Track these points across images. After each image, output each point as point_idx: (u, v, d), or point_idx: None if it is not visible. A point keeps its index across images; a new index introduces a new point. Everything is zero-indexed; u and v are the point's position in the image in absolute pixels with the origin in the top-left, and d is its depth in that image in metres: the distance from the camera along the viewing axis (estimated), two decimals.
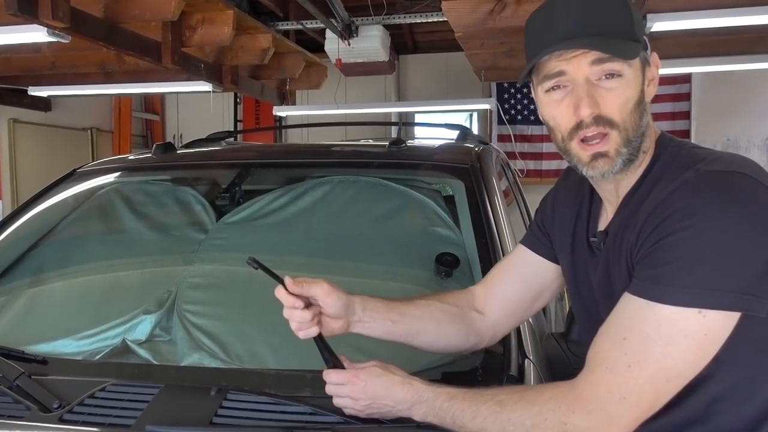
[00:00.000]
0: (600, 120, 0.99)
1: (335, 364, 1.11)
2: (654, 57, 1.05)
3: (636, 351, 0.93)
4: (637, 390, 0.92)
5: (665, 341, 0.91)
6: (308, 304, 1.12)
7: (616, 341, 0.95)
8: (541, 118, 1.10)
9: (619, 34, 0.98)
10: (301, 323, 1.11)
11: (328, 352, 1.12)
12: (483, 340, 1.29)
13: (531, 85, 1.10)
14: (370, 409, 1.07)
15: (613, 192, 1.10)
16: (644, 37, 1.02)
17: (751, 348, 0.97)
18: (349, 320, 1.17)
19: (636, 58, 0.99)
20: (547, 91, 1.03)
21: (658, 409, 0.95)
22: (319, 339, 1.13)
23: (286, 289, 1.10)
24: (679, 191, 0.95)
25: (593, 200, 1.17)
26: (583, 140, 1.01)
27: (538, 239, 1.29)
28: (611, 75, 0.98)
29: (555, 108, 1.03)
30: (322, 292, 1.13)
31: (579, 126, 1.00)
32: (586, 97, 0.98)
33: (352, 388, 1.07)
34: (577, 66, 0.99)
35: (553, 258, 1.27)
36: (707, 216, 0.91)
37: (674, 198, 0.95)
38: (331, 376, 1.10)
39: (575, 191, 1.21)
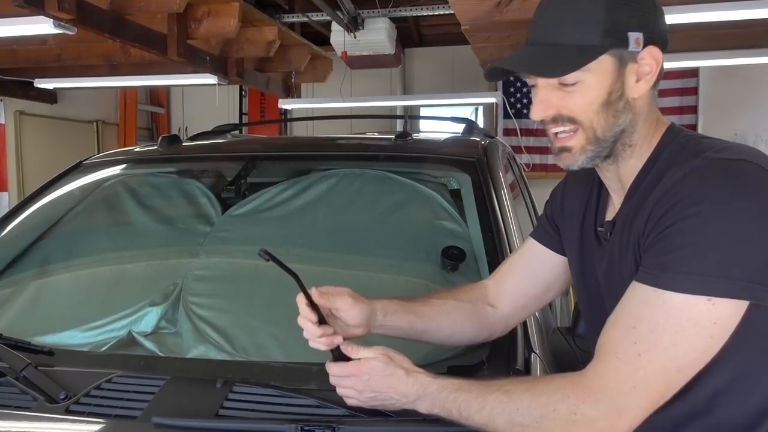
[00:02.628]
0: (560, 118, 1.04)
1: (340, 356, 1.10)
2: (649, 51, 1.02)
3: (646, 340, 0.92)
4: (648, 379, 0.92)
5: (675, 329, 0.91)
6: (323, 319, 1.11)
7: (626, 330, 0.94)
8: None
9: (571, 42, 1.00)
10: (310, 337, 1.11)
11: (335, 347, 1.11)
12: (495, 333, 1.31)
13: None
14: (374, 401, 1.07)
15: (615, 180, 1.11)
16: (632, 34, 1.00)
17: (754, 340, 0.96)
18: (370, 325, 1.18)
19: (605, 59, 0.99)
20: (531, 87, 1.09)
21: (668, 399, 0.95)
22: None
23: (309, 299, 1.09)
24: (688, 178, 0.95)
25: (602, 190, 1.18)
26: (554, 134, 1.06)
27: (547, 232, 1.30)
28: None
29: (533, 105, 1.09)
30: (345, 305, 1.13)
31: (543, 121, 1.06)
32: (539, 103, 1.05)
33: (356, 381, 1.07)
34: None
35: (561, 251, 1.27)
36: (715, 203, 0.91)
37: (682, 185, 0.95)
38: (333, 368, 1.09)
39: (584, 182, 1.22)
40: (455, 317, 1.26)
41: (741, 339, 0.94)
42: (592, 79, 1.00)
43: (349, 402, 1.09)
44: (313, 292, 1.10)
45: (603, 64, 1.00)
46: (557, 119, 1.03)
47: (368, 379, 1.06)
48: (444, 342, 1.28)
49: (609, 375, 0.94)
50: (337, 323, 1.14)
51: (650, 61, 1.02)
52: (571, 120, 1.03)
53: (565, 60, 0.99)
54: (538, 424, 0.96)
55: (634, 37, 1.00)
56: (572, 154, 1.05)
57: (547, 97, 1.03)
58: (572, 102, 1.02)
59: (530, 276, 1.31)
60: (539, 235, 1.31)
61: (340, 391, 1.09)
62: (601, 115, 1.02)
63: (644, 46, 1.01)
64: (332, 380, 1.10)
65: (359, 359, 1.08)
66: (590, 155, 1.04)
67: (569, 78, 1.00)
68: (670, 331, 0.91)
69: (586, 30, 0.99)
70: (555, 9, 1.03)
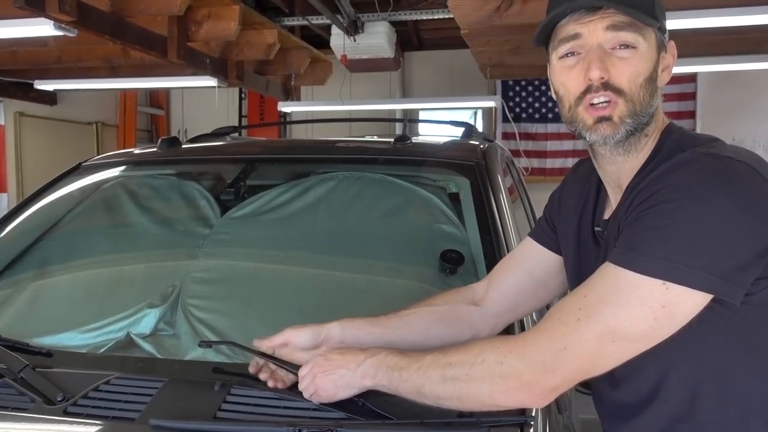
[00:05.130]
0: (608, 86, 1.00)
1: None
2: (671, 45, 1.06)
3: (590, 307, 0.94)
4: (580, 343, 0.93)
5: (621, 303, 0.92)
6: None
7: (577, 298, 0.97)
8: (551, 88, 1.11)
9: (639, 8, 0.99)
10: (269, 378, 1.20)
11: (289, 365, 1.19)
12: (481, 332, 1.30)
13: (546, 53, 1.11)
14: (331, 372, 1.10)
15: (615, 178, 1.10)
16: (664, 22, 1.04)
17: (734, 340, 0.97)
18: (326, 341, 1.22)
19: (652, 34, 1.01)
20: (561, 57, 1.05)
21: (600, 372, 0.96)
22: (278, 360, 1.21)
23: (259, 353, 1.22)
24: (673, 169, 0.95)
25: (600, 191, 1.18)
26: (590, 105, 1.02)
27: (544, 231, 1.30)
28: (625, 45, 1.00)
29: (566, 74, 1.05)
30: (288, 335, 1.23)
31: (588, 90, 1.01)
32: (597, 60, 1.00)
33: (315, 363, 1.12)
34: (593, 29, 1.00)
35: (558, 250, 1.27)
36: (695, 192, 0.91)
37: (666, 175, 0.95)
38: (302, 371, 1.14)
39: (583, 183, 1.22)
40: (427, 322, 1.27)
41: (719, 338, 0.95)
42: (646, 48, 1.01)
43: (313, 397, 1.11)
44: (255, 343, 1.23)
45: (653, 38, 1.02)
46: (606, 86, 1.00)
47: (324, 359, 1.11)
48: (420, 346, 1.27)
49: (545, 333, 0.96)
50: (295, 354, 1.22)
51: (669, 56, 1.06)
52: (617, 90, 1.00)
53: (643, 16, 0.99)
54: (467, 376, 0.98)
55: (666, 28, 1.04)
56: (614, 123, 1.01)
57: (603, 58, 0.99)
58: (623, 70, 1.00)
59: (522, 273, 1.30)
60: (536, 233, 1.32)
61: (303, 385, 1.12)
62: (643, 89, 1.01)
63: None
64: (300, 383, 1.13)
65: None
66: (629, 128, 1.02)
67: (634, 39, 0.99)
68: (615, 303, 0.92)
69: (647, 1, 1.01)
70: None
